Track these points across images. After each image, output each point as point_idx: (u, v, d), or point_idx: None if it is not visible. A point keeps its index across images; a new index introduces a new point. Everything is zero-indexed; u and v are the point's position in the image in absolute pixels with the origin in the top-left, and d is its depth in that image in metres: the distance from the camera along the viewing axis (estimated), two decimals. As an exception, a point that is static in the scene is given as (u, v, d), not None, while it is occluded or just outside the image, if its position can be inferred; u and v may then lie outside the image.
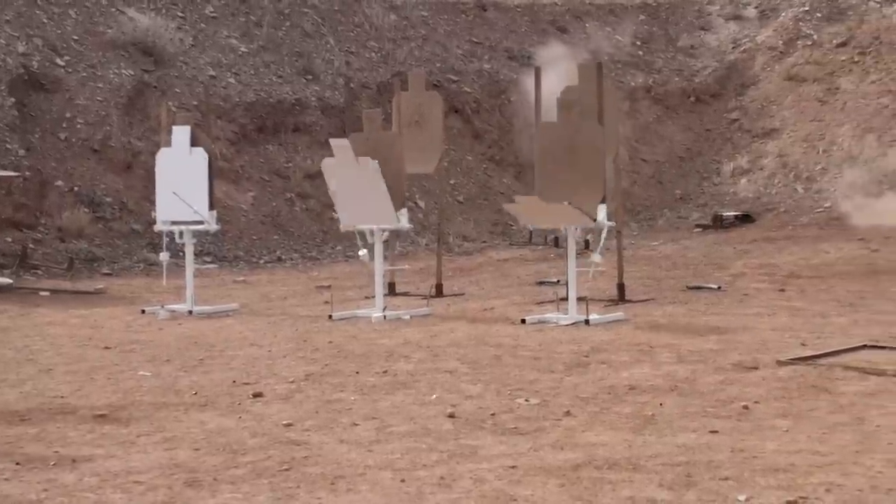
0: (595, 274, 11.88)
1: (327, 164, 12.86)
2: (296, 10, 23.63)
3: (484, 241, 21.10)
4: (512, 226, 21.30)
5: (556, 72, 16.83)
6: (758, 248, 19.08)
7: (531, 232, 20.21)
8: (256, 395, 8.28)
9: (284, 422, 7.38)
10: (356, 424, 7.30)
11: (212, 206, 13.52)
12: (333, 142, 12.81)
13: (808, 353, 9.48)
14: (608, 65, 23.29)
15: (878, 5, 26.27)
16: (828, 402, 7.67)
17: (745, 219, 22.08)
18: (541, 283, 15.56)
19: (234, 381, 8.89)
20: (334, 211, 13.28)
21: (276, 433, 7.10)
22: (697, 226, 22.10)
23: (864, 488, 5.64)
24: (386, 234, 12.96)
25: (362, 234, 12.81)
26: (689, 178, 24.57)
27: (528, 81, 16.30)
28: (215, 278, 16.72)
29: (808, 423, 7.04)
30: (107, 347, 10.83)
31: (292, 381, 8.82)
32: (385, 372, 9.17)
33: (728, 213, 22.25)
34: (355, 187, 12.52)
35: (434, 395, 8.15)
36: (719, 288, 14.49)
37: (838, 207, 21.47)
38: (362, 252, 12.78)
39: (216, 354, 10.29)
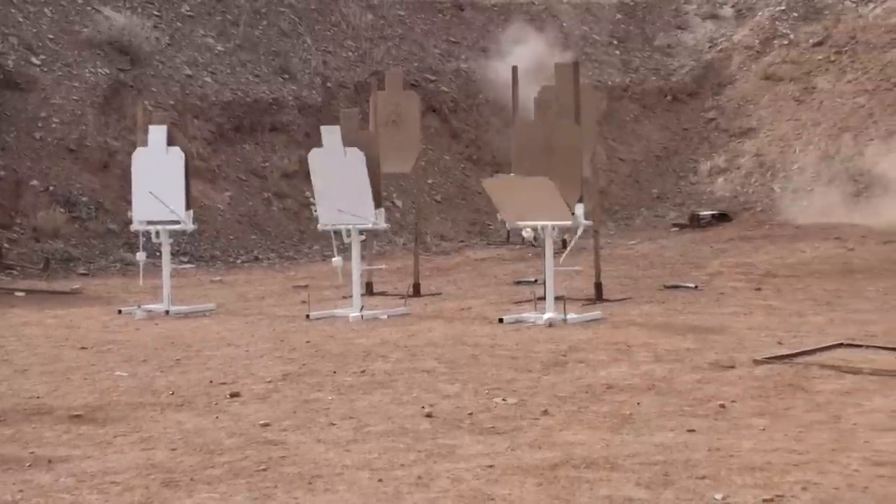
0: (573, 273, 11.92)
1: (314, 156, 12.83)
2: (273, 9, 23.58)
3: (461, 241, 21.10)
4: (490, 225, 21.31)
5: (532, 70, 16.84)
6: (734, 248, 19.13)
7: (508, 231, 20.21)
8: (233, 395, 8.26)
9: (261, 422, 7.36)
10: (333, 424, 7.29)
11: (188, 206, 13.47)
12: (324, 128, 12.80)
13: (785, 351, 9.50)
14: (585, 64, 23.36)
15: (854, 5, 26.38)
16: (804, 400, 7.69)
17: (722, 218, 22.13)
18: (518, 282, 15.58)
19: (211, 381, 8.87)
20: (313, 209, 13.21)
21: (253, 433, 7.08)
22: (674, 225, 22.13)
23: (841, 486, 5.66)
24: (363, 236, 12.94)
25: (339, 234, 12.77)
26: (666, 178, 24.62)
27: (504, 79, 16.29)
28: (192, 278, 16.67)
29: (785, 422, 7.06)
30: (83, 348, 10.78)
31: (269, 381, 8.80)
32: (362, 372, 9.16)
33: (705, 213, 22.29)
34: (338, 177, 12.49)
35: (413, 394, 8.15)
36: (696, 287, 14.52)
37: (813, 206, 21.55)
38: (336, 259, 12.73)
39: (193, 354, 10.26)
